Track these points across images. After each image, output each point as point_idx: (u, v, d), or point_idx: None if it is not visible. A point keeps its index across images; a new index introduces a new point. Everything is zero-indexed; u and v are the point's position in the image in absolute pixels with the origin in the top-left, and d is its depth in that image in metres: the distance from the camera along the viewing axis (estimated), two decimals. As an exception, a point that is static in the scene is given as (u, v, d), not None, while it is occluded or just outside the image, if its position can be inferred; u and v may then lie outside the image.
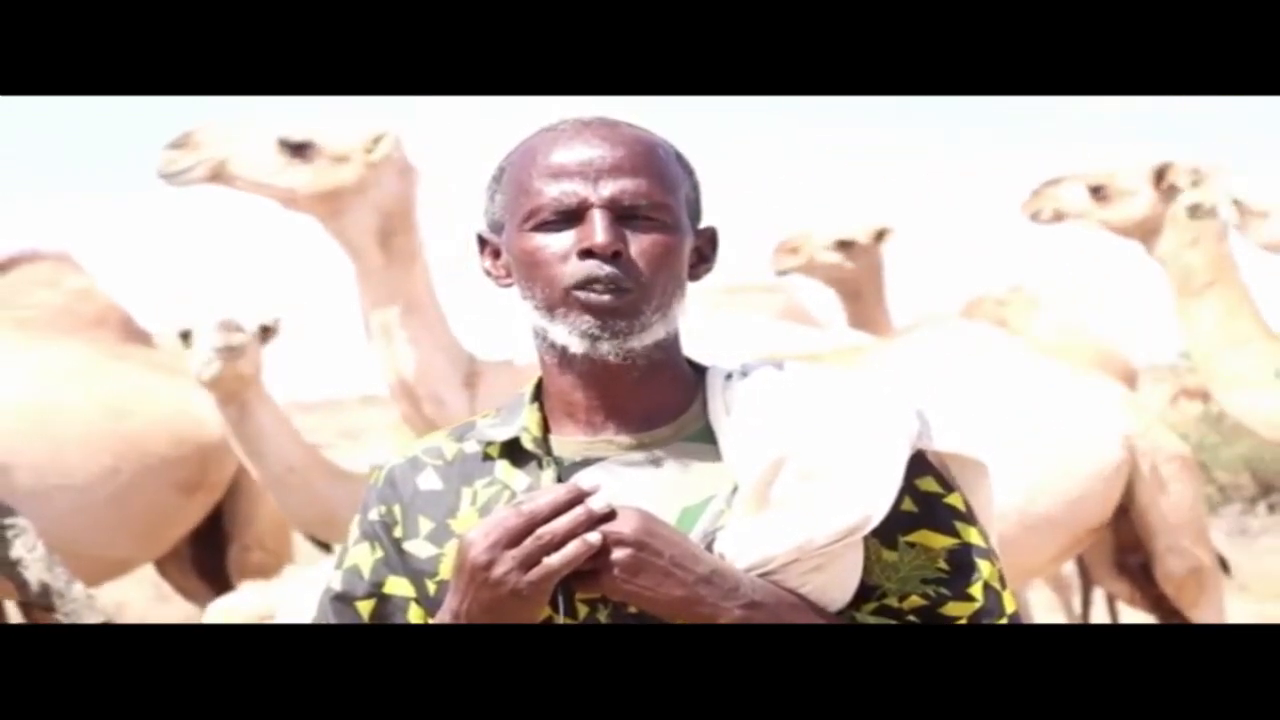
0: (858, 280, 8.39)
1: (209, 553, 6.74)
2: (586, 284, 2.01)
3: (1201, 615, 5.58)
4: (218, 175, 5.70)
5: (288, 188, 5.68)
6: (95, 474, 6.25)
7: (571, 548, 1.93)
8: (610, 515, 1.94)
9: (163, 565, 6.94)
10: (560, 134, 2.07)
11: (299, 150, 5.69)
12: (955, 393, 5.32)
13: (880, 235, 8.36)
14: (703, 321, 6.04)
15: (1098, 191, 6.36)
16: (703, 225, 2.12)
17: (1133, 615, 6.44)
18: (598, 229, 2.01)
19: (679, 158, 2.10)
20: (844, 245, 8.35)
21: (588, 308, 2.01)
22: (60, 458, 6.20)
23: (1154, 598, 5.69)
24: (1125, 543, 5.64)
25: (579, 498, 1.94)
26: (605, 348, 2.02)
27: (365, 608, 2.11)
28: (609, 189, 2.03)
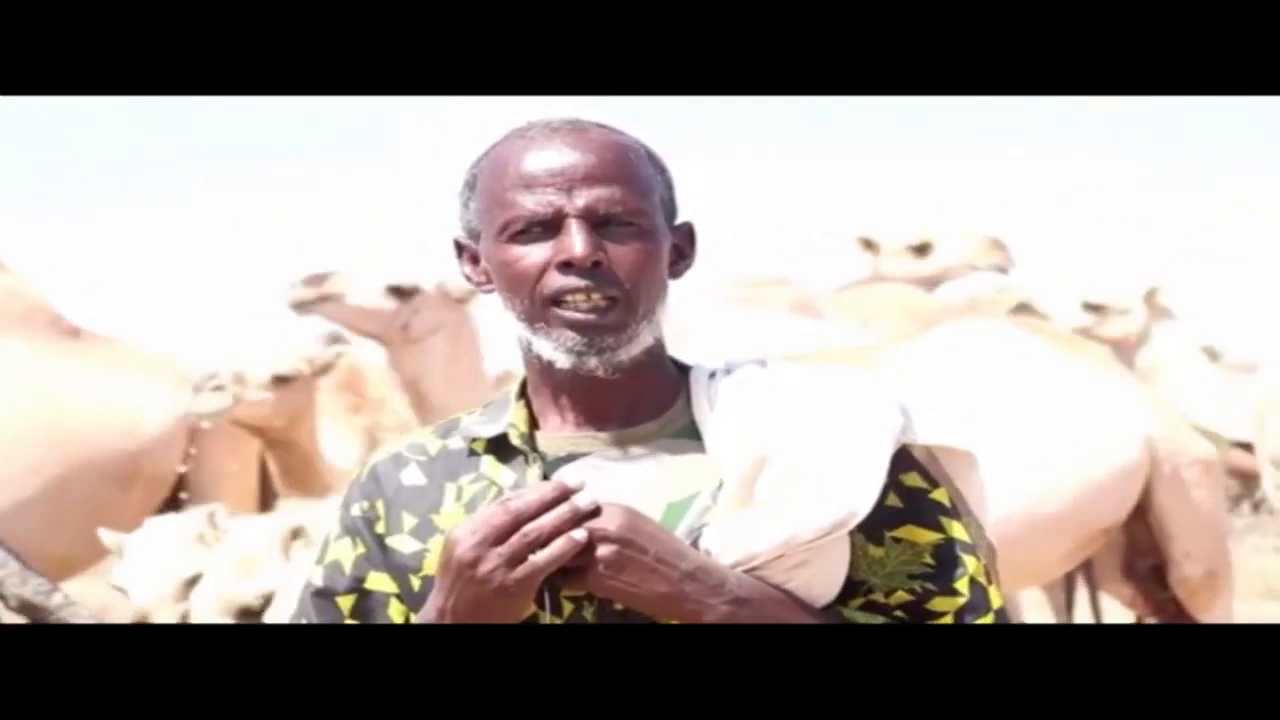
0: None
1: None
2: (568, 298, 2.01)
3: (1210, 620, 5.46)
4: (332, 307, 6.46)
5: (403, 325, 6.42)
6: (25, 469, 6.23)
7: (557, 545, 1.93)
8: (595, 512, 1.95)
9: None
10: (530, 141, 2.05)
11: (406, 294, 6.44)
12: (972, 390, 5.24)
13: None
14: (716, 315, 6.19)
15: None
16: (679, 221, 2.11)
17: (1117, 616, 6.41)
18: (576, 240, 2.00)
19: (650, 157, 2.09)
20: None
21: (570, 324, 2.01)
22: None
23: (1159, 602, 5.56)
24: (1138, 545, 5.50)
25: (565, 495, 1.95)
26: (593, 363, 2.02)
27: (346, 603, 2.10)
28: (584, 198, 2.01)
